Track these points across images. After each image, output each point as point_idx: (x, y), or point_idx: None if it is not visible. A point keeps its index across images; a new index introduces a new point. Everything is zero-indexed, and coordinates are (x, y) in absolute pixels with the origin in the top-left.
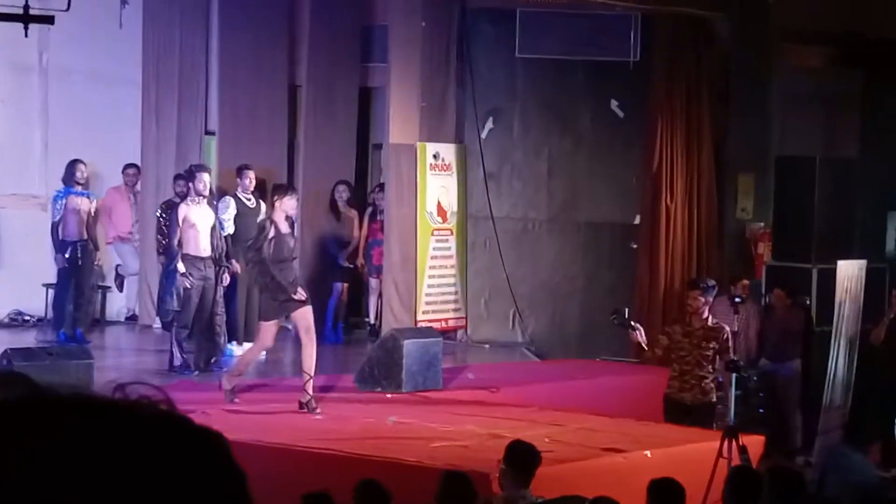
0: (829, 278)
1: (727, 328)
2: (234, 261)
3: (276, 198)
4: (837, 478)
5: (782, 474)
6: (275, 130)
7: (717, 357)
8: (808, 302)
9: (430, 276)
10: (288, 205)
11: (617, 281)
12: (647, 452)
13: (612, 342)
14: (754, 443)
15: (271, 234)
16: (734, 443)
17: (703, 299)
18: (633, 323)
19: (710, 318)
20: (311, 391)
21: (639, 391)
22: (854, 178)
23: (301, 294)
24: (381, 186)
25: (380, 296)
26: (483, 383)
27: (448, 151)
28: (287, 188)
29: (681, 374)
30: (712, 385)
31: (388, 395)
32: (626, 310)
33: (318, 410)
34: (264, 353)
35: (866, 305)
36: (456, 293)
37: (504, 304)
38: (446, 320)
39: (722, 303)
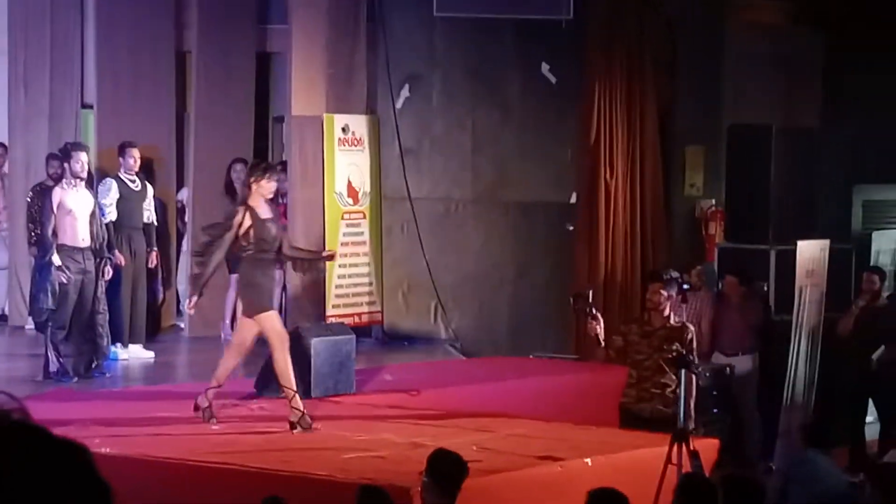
0: (788, 261)
1: (692, 328)
2: (116, 251)
3: (252, 179)
4: (801, 486)
5: (739, 483)
6: (161, 103)
7: (680, 359)
8: (765, 288)
9: (341, 266)
10: (266, 188)
11: (552, 268)
12: (588, 460)
13: (547, 338)
14: (707, 447)
15: (247, 222)
16: (684, 447)
17: (664, 293)
18: (595, 311)
19: (673, 315)
20: (300, 406)
21: (577, 392)
22: (815, 149)
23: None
24: (284, 165)
25: (283, 288)
26: (402, 385)
27: (359, 124)
28: (266, 168)
29: (639, 382)
30: (671, 395)
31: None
32: (591, 293)
33: (316, 427)
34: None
35: (830, 291)
36: (370, 284)
37: (425, 297)
38: (360, 315)
39: (699, 300)
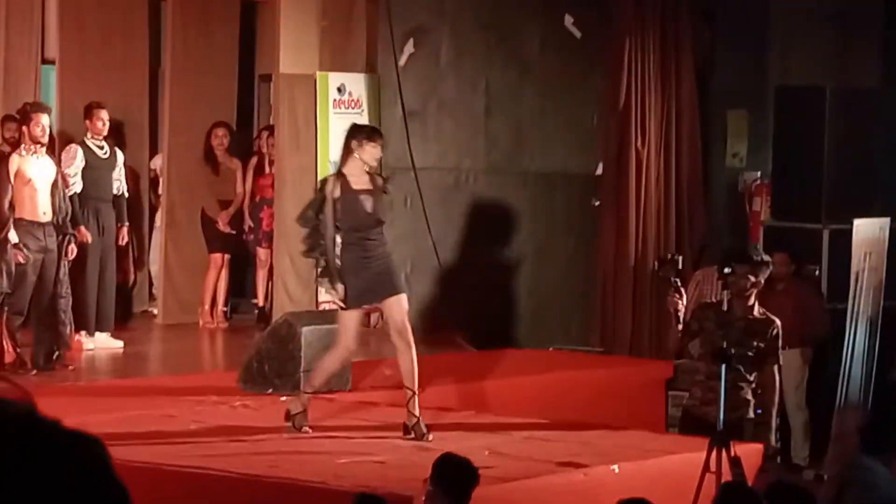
0: (843, 242)
1: (778, 322)
2: (82, 227)
3: (354, 142)
4: (856, 496)
5: (786, 492)
6: (133, 58)
7: (763, 361)
8: (816, 272)
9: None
10: (370, 154)
11: (575, 249)
12: (615, 467)
13: (570, 328)
14: (750, 453)
15: (336, 193)
16: (724, 453)
17: (752, 279)
18: (679, 284)
19: (757, 305)
20: (417, 411)
21: (604, 390)
22: (875, 113)
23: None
24: (271, 129)
25: (270, 270)
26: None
27: (356, 83)
28: (370, 131)
29: (708, 380)
30: (749, 398)
31: (283, 398)
32: (681, 259)
33: (429, 437)
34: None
35: (891, 276)
36: None
37: (430, 280)
38: None
39: (708, 274)
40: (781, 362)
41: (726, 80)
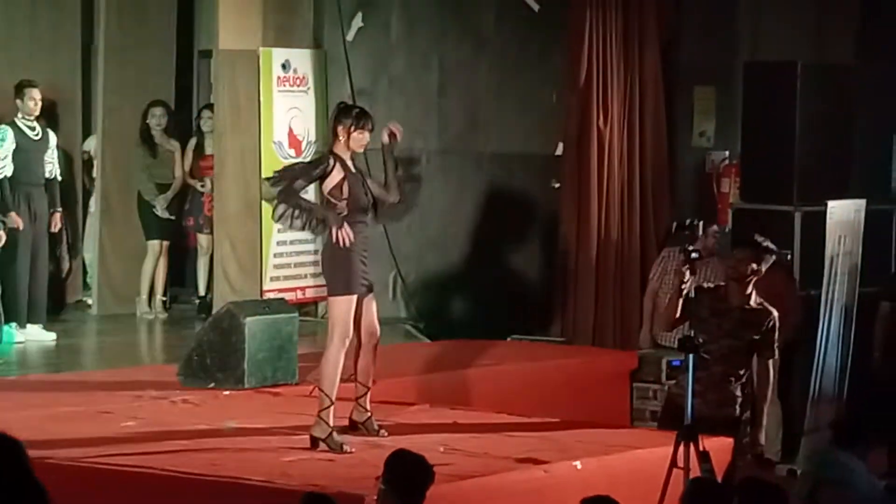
0: (816, 225)
1: (776, 313)
2: (12, 213)
3: (340, 128)
4: (832, 492)
5: (757, 489)
6: (64, 34)
7: (756, 353)
8: (788, 257)
9: (281, 231)
10: (357, 141)
11: (534, 233)
12: (577, 463)
13: (529, 316)
14: (719, 447)
15: (338, 175)
16: (692, 447)
17: (753, 266)
18: (693, 253)
19: (755, 295)
20: (368, 406)
21: (566, 382)
22: (849, 90)
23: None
24: (211, 108)
25: (212, 258)
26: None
27: (302, 60)
28: (360, 114)
29: (697, 369)
30: (738, 394)
31: (226, 393)
32: (701, 223)
33: (384, 433)
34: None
35: (867, 261)
36: (316, 253)
37: (381, 267)
38: (303, 289)
39: (674, 258)
40: (777, 357)
41: (692, 55)
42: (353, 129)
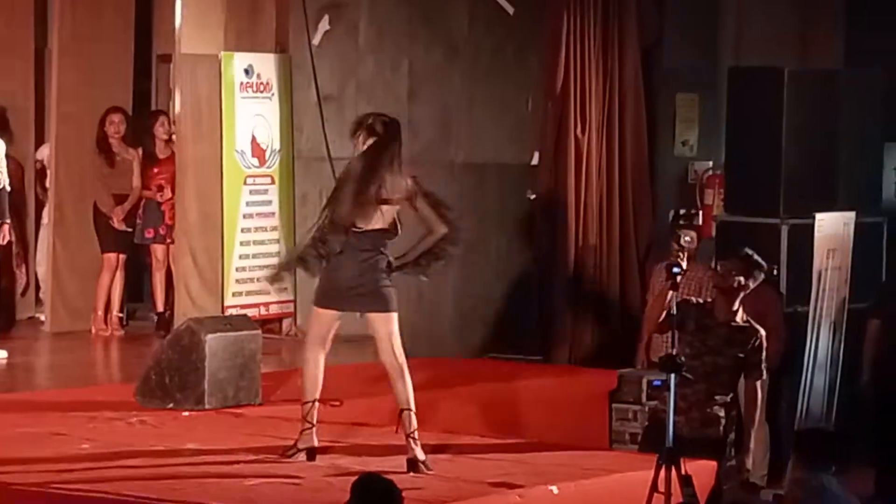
0: (804, 238)
1: (762, 331)
2: None
3: (359, 134)
4: None
5: None
6: (16, 37)
7: (742, 373)
8: (775, 272)
9: (244, 244)
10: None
11: (509, 246)
12: (553, 488)
13: (504, 333)
14: (702, 470)
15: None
16: (674, 471)
17: (740, 279)
18: (675, 268)
19: (742, 312)
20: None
21: (542, 401)
22: (838, 98)
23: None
24: (163, 114)
25: (169, 272)
26: (321, 394)
27: (265, 64)
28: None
29: (679, 386)
30: (722, 414)
31: (185, 413)
32: (700, 213)
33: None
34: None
35: (857, 275)
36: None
37: None
38: (267, 305)
39: (656, 273)
40: (765, 377)
41: (674, 61)
42: (363, 136)
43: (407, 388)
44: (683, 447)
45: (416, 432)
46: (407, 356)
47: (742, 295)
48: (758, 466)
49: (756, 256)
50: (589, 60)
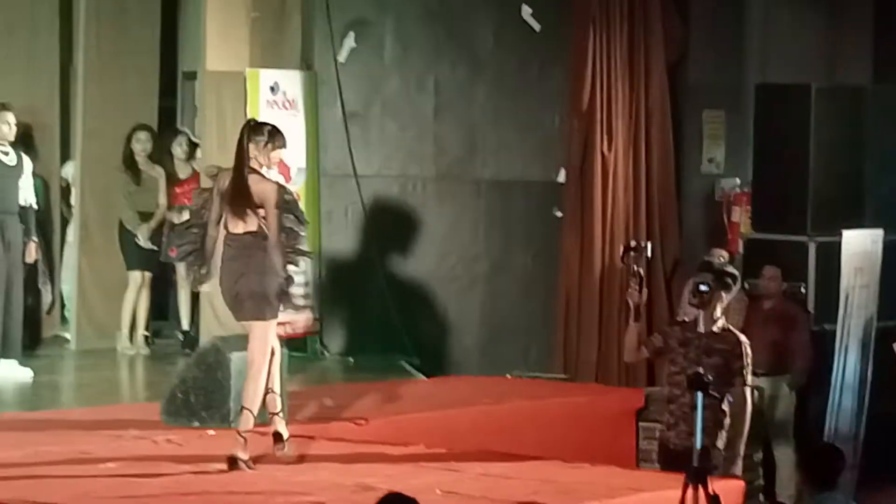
0: (831, 256)
1: (744, 338)
2: None
3: (253, 143)
4: None
5: None
6: (41, 55)
7: (726, 380)
8: (802, 290)
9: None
10: (275, 158)
11: (534, 264)
12: None
13: (529, 352)
14: (730, 490)
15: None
16: (701, 490)
17: (714, 291)
18: (641, 272)
19: (722, 320)
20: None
21: (567, 421)
22: (865, 114)
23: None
24: (184, 133)
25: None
26: (346, 412)
27: (291, 82)
28: (274, 132)
29: (668, 402)
30: (709, 423)
31: (211, 432)
32: (649, 245)
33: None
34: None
35: (885, 293)
36: (306, 284)
37: (373, 299)
38: (292, 324)
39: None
40: (750, 381)
41: (701, 77)
42: (273, 148)
43: (246, 387)
44: (680, 460)
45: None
46: (433, 374)
47: (719, 305)
48: (785, 486)
49: (727, 267)
50: (615, 77)
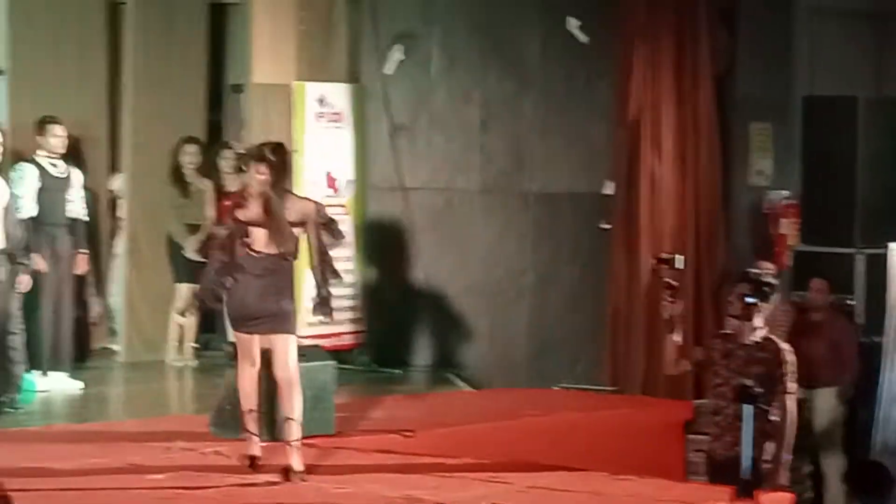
0: (879, 268)
1: (785, 347)
2: (34, 255)
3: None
4: None
5: None
6: (90, 68)
7: (769, 389)
8: (850, 302)
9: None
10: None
11: (581, 276)
12: None
13: (577, 364)
14: (780, 502)
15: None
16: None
17: (750, 300)
18: (674, 284)
19: (764, 330)
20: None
21: (616, 432)
22: None
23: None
24: (230, 146)
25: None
26: (394, 424)
27: (338, 94)
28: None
29: (713, 413)
30: (757, 433)
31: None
32: (681, 259)
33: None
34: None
35: None
36: (353, 297)
37: (420, 312)
38: (339, 335)
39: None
40: (791, 390)
41: (748, 89)
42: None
43: (292, 400)
44: (726, 472)
45: (298, 442)
46: (481, 386)
47: (759, 315)
48: (834, 499)
49: (766, 277)
50: (662, 89)
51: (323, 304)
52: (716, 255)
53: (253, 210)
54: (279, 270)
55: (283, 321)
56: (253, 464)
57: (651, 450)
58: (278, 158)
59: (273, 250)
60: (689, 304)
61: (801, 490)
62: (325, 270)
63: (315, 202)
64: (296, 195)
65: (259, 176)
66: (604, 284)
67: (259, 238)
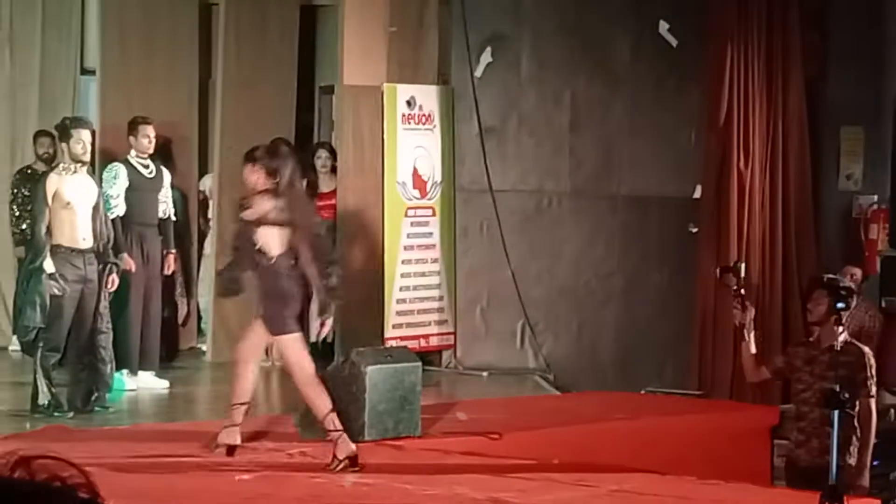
0: None
1: (867, 349)
2: (124, 254)
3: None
4: None
5: None
6: (181, 69)
7: (853, 391)
8: None
9: (404, 276)
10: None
11: (670, 280)
12: None
13: (664, 368)
14: None
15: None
16: None
17: (838, 305)
18: (743, 292)
19: (845, 334)
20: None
21: (702, 436)
22: None
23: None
24: (325, 146)
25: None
26: (480, 427)
27: (428, 97)
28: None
29: (797, 419)
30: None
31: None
32: (743, 266)
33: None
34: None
35: None
36: (440, 299)
37: (509, 315)
38: (427, 337)
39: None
40: (872, 393)
41: (839, 93)
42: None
43: (309, 399)
44: (813, 478)
45: (335, 434)
46: (568, 389)
47: (840, 319)
48: None
49: (844, 282)
50: (752, 92)
51: (330, 293)
52: (805, 260)
53: (254, 210)
54: (265, 273)
55: (268, 324)
56: (231, 452)
57: (737, 455)
58: (274, 158)
59: (272, 251)
60: (776, 311)
61: (888, 497)
62: (319, 268)
63: (316, 215)
64: (305, 200)
65: (250, 176)
66: (692, 288)
67: (262, 239)
